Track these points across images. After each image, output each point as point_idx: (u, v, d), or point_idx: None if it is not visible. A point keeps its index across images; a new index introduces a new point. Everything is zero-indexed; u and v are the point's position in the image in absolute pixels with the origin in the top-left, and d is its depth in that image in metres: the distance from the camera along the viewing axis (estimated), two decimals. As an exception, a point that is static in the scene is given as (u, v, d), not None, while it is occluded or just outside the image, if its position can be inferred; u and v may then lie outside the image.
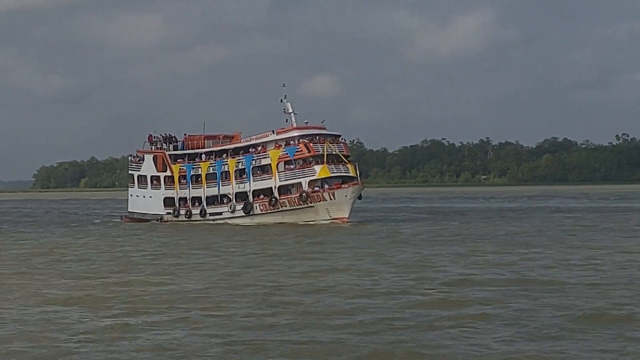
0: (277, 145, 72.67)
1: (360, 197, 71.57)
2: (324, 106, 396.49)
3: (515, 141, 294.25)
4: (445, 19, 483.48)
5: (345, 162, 71.85)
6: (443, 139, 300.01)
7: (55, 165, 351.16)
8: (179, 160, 78.23)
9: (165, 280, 32.35)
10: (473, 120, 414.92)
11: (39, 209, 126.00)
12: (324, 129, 74.25)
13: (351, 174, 71.35)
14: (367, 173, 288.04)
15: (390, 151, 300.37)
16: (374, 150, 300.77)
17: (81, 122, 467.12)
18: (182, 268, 36.77)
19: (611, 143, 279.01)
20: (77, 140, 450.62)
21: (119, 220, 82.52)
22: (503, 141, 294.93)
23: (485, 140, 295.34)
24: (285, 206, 71.17)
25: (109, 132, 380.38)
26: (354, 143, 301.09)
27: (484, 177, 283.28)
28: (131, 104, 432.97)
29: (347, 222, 68.75)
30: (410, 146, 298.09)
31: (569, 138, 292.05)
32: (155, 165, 79.08)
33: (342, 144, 73.68)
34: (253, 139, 74.87)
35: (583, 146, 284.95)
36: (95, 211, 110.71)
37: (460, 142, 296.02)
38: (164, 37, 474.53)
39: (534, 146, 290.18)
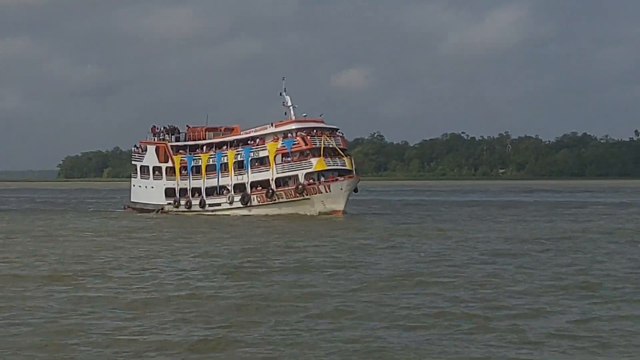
0: (275, 137, 73.67)
1: (356, 190, 72.67)
2: (355, 100, 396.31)
3: (536, 135, 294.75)
4: (479, 14, 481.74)
5: (342, 155, 72.76)
6: (462, 132, 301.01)
7: (79, 155, 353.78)
8: (180, 151, 79.29)
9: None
10: (500, 114, 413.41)
11: (38, 198, 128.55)
12: (322, 122, 75.13)
13: (347, 167, 72.27)
14: (386, 166, 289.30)
15: (411, 144, 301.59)
16: (394, 143, 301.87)
17: (112, 113, 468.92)
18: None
19: (632, 138, 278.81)
20: (105, 131, 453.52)
21: (122, 209, 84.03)
22: (522, 135, 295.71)
23: (505, 134, 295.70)
24: (282, 198, 72.21)
25: (137, 123, 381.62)
26: (374, 136, 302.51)
27: (501, 170, 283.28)
28: (162, 96, 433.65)
29: (343, 214, 69.81)
30: (430, 139, 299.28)
31: (588, 133, 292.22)
32: (158, 156, 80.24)
33: (339, 137, 74.37)
34: (252, 132, 75.89)
35: (602, 141, 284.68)
36: (111, 200, 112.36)
37: (481, 136, 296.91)
38: (196, 30, 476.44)
39: (554, 140, 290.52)
